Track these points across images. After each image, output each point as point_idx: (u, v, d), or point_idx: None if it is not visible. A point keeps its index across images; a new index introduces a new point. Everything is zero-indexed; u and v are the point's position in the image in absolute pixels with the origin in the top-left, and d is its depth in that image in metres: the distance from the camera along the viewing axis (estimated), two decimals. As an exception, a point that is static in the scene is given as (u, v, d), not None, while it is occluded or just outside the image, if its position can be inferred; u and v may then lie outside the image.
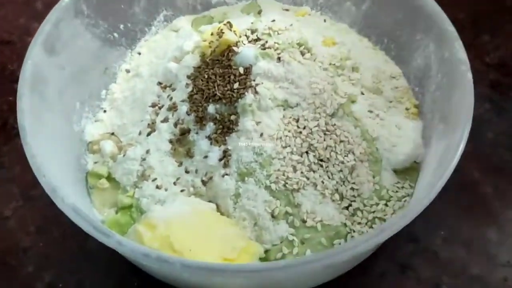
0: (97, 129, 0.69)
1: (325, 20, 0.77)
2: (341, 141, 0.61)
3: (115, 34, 0.72)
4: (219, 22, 0.69)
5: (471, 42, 0.85)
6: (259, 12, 0.78)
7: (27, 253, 0.62)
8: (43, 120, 0.58)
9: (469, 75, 0.56)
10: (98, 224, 0.47)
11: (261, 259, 0.57)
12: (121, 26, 0.72)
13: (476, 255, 0.65)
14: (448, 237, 0.66)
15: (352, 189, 0.60)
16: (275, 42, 0.64)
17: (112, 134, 0.68)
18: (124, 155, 0.64)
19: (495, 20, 0.84)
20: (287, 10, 0.78)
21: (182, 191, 0.61)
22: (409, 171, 0.63)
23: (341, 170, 0.60)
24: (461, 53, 0.57)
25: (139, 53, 0.75)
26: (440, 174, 0.50)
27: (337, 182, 0.60)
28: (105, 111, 0.71)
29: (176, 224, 0.55)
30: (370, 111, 0.65)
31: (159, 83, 0.68)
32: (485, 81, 0.80)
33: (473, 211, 0.68)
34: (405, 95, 0.69)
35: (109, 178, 0.65)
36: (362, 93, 0.66)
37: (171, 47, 0.72)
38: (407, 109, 0.67)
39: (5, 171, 0.69)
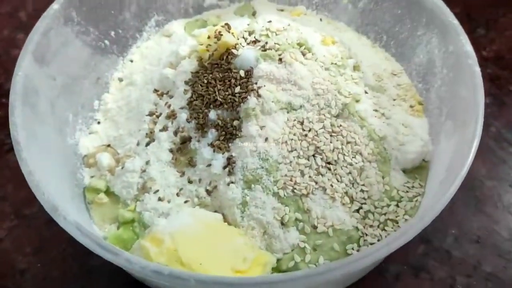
0: (92, 141, 0.66)
1: (321, 19, 0.75)
2: (348, 142, 0.59)
3: (106, 42, 0.69)
4: (214, 25, 0.67)
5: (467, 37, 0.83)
6: (254, 14, 0.76)
7: (24, 275, 0.59)
8: (36, 134, 0.56)
9: (477, 69, 0.54)
10: (104, 242, 0.45)
11: (273, 269, 0.55)
12: (112, 33, 0.70)
13: (488, 253, 0.63)
14: (459, 236, 0.64)
15: (362, 191, 0.58)
16: (275, 43, 0.61)
17: (108, 146, 0.66)
18: (122, 168, 0.62)
19: (489, 14, 0.84)
20: (282, 10, 0.76)
21: (186, 202, 0.59)
22: (418, 170, 0.61)
23: (349, 172, 0.58)
24: (468, 46, 0.56)
25: (131, 61, 0.73)
26: (456, 172, 0.49)
27: (346, 185, 0.58)
28: (99, 122, 0.68)
29: (182, 237, 0.53)
30: (375, 110, 0.63)
31: (155, 91, 0.66)
32: (483, 75, 0.79)
33: (482, 207, 0.67)
34: (408, 92, 0.67)
35: (108, 192, 0.62)
36: (366, 92, 0.64)
37: (165, 52, 0.69)
38: (411, 106, 0.66)
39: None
